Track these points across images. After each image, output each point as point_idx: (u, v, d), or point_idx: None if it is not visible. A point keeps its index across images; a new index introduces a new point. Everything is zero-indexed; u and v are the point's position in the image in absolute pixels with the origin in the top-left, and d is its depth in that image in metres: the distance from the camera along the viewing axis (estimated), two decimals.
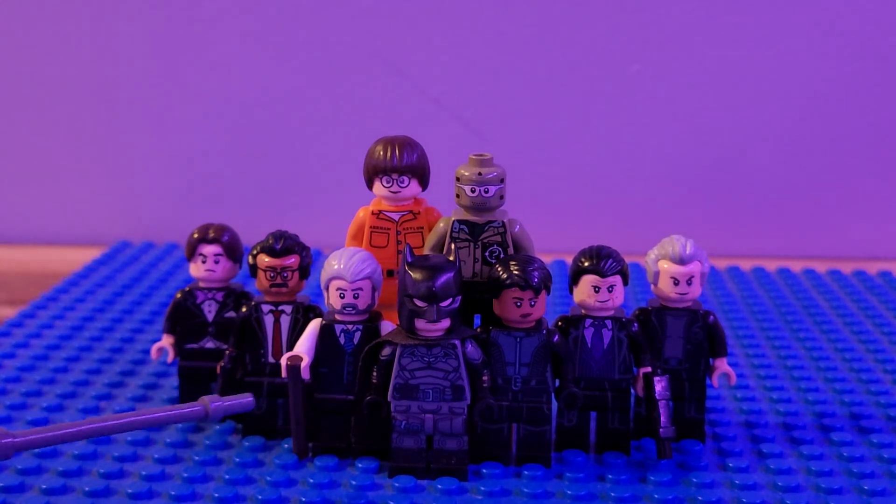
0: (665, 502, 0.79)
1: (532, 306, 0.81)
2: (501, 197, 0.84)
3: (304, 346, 0.83)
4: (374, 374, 0.81)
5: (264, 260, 0.86)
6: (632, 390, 0.86)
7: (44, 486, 0.79)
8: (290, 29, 1.40)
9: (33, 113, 1.44)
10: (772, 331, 1.11)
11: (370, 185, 0.86)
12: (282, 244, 0.86)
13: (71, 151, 1.45)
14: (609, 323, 0.84)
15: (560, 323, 0.85)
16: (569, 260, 0.90)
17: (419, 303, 0.79)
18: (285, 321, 0.87)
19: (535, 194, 1.40)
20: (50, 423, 0.89)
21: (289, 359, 0.83)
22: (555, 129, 1.41)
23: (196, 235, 0.90)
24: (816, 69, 1.38)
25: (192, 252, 0.90)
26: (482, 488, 0.80)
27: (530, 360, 0.83)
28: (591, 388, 0.85)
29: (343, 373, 0.84)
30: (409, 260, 0.80)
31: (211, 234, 0.90)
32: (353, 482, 0.80)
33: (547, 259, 1.07)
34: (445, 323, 0.80)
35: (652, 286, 0.86)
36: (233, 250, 0.90)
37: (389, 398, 0.81)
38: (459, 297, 0.80)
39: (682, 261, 0.85)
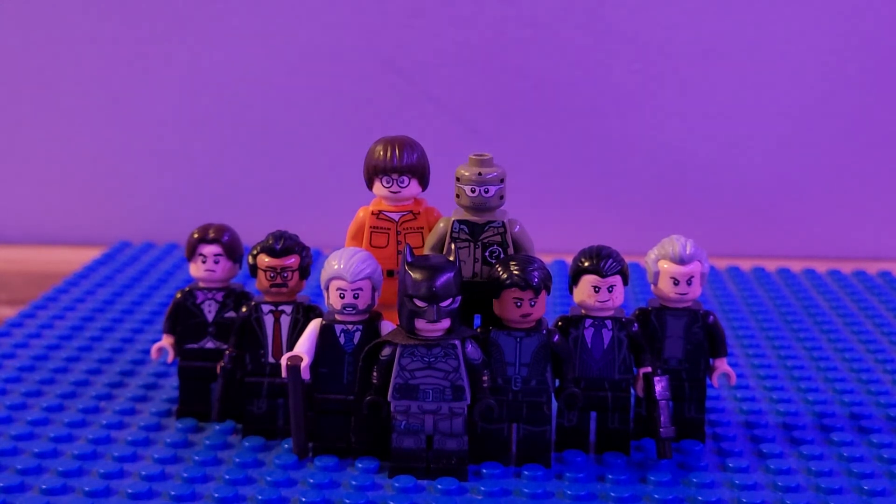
0: (665, 502, 0.79)
1: (532, 306, 0.81)
2: (501, 197, 0.84)
3: (304, 346, 0.83)
4: (374, 374, 0.81)
5: (264, 260, 0.86)
6: (632, 390, 0.86)
7: (44, 486, 0.79)
8: (289, 28, 1.40)
9: (33, 113, 1.44)
10: (772, 331, 1.11)
11: (370, 186, 0.86)
12: (282, 244, 0.86)
13: (71, 151, 1.45)
14: (609, 323, 0.84)
15: (560, 323, 0.85)
16: (569, 260, 0.90)
17: (419, 303, 0.79)
18: (285, 321, 0.87)
19: (535, 194, 1.40)
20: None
21: (289, 359, 0.83)
22: (554, 128, 1.41)
23: (196, 235, 0.90)
24: (817, 69, 1.38)
25: (192, 252, 0.90)
26: (482, 488, 0.80)
27: (530, 360, 0.83)
28: (591, 388, 0.85)
29: (343, 373, 0.84)
30: (409, 260, 0.80)
31: (211, 234, 0.90)
32: (353, 482, 0.80)
33: (547, 259, 1.07)
34: (445, 323, 0.80)
35: (652, 286, 0.86)
36: (233, 250, 0.90)
37: (389, 398, 0.81)
38: (459, 297, 0.80)
39: (682, 261, 0.85)
